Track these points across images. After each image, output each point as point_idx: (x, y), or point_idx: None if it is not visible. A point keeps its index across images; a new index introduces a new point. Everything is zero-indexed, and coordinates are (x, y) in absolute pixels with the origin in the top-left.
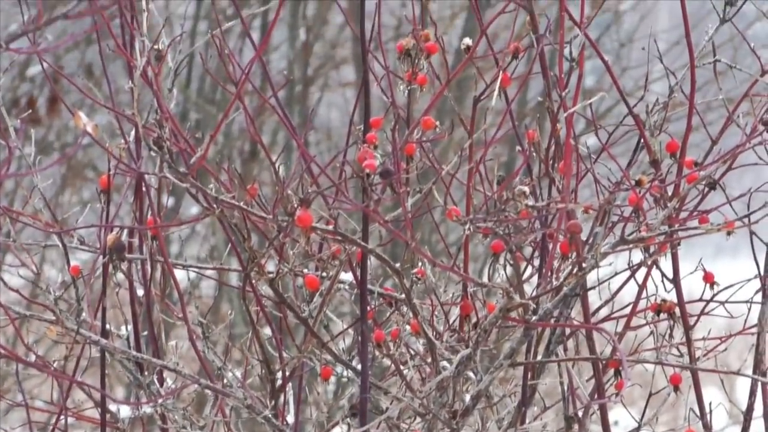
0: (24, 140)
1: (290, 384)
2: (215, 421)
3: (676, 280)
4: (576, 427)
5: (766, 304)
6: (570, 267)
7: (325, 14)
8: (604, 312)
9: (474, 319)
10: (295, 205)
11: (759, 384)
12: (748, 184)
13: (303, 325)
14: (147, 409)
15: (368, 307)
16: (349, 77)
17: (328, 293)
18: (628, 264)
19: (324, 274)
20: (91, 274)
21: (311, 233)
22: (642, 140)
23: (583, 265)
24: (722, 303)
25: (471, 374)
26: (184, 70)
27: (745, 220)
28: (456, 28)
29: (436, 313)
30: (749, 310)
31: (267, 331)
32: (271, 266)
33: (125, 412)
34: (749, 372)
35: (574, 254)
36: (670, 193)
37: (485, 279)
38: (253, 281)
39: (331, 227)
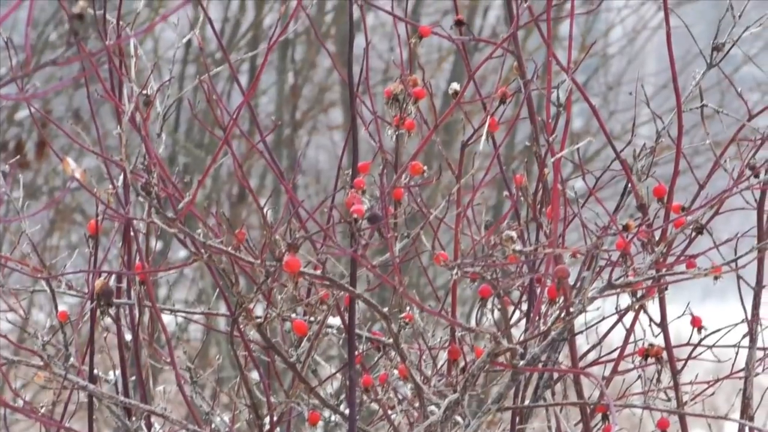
0: (12, 184)
1: (278, 429)
2: None
3: (663, 325)
4: None
5: (754, 348)
6: (558, 311)
7: (313, 58)
8: (591, 356)
9: (462, 364)
10: (284, 250)
11: (746, 429)
12: (735, 229)
13: (291, 369)
14: None
15: (356, 352)
16: (337, 121)
17: (316, 338)
18: (616, 308)
19: (312, 318)
20: (79, 319)
21: (299, 278)
22: (629, 185)
23: (571, 309)
24: (710, 347)
25: (459, 419)
26: (173, 114)
27: (733, 264)
28: (443, 71)
29: (424, 357)
30: (737, 354)
31: (255, 375)
32: (259, 311)
33: None
34: (737, 416)
35: (562, 299)
36: (657, 238)
37: (473, 323)
38: (241, 326)
39: (319, 272)
